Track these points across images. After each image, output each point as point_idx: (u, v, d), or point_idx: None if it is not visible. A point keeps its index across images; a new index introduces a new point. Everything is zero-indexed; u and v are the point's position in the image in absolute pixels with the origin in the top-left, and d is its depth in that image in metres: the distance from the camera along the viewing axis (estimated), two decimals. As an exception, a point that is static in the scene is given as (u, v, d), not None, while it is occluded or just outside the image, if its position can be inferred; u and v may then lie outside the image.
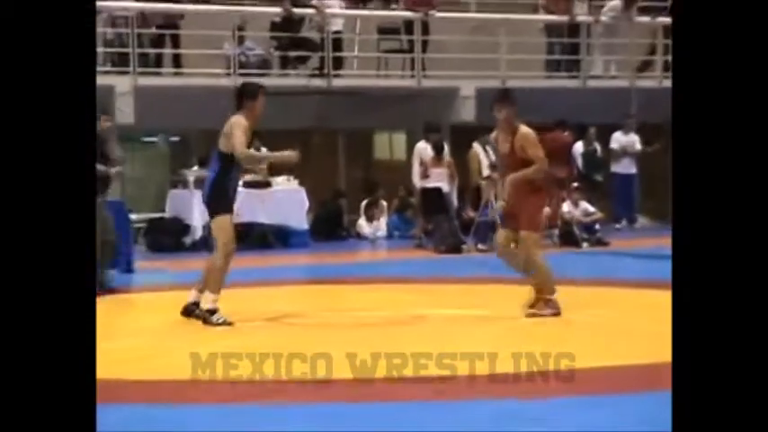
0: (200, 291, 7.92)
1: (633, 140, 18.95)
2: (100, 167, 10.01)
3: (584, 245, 15.82)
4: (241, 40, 18.95)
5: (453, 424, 4.74)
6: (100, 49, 18.54)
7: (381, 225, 18.76)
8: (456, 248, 15.27)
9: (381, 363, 6.06)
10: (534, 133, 8.09)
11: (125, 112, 17.78)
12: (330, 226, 18.39)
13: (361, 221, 18.75)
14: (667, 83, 18.93)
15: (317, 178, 19.68)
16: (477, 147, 16.75)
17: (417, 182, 16.19)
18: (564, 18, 19.92)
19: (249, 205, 16.23)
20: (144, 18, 18.22)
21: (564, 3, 20.05)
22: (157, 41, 18.67)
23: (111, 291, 10.23)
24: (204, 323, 7.67)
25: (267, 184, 16.77)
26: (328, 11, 18.88)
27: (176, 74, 18.95)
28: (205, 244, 15.91)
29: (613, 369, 5.95)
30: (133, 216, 14.91)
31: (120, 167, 11.33)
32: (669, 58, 19.46)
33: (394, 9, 19.86)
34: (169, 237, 16.42)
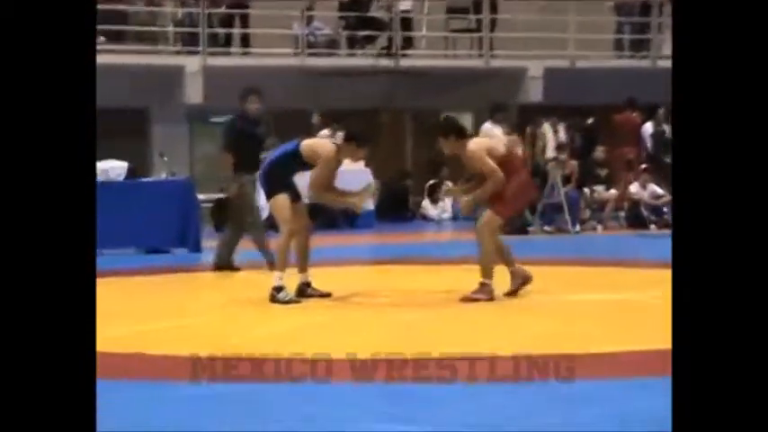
0: (301, 270, 8.14)
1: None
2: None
3: (652, 227, 15.82)
4: (309, 20, 19.14)
5: (515, 404, 4.87)
6: (170, 29, 18.85)
7: (447, 206, 18.86)
8: (522, 230, 15.34)
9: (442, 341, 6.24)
10: (481, 147, 8.02)
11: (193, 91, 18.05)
12: (395, 207, 18.53)
13: (426, 203, 18.85)
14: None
15: (383, 159, 19.84)
16: (546, 127, 16.80)
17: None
18: (634, -4, 19.84)
19: (315, 185, 16.43)
20: (213, -2, 18.46)
21: (634, -19, 19.97)
22: (227, 21, 18.90)
23: (233, 268, 10.41)
24: (271, 301, 7.86)
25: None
26: (396, -10, 18.98)
27: (245, 54, 19.19)
28: (272, 224, 16.17)
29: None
30: (201, 196, 15.18)
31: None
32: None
33: (462, -12, 19.89)
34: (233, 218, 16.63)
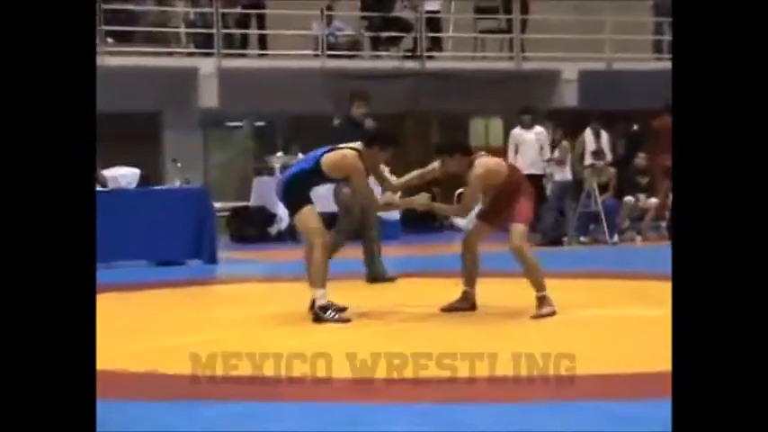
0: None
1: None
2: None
3: (695, 238, 15.63)
4: (330, 20, 19.06)
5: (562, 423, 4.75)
6: (182, 30, 18.80)
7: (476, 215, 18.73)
8: (556, 241, 15.20)
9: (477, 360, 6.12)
10: (484, 173, 7.92)
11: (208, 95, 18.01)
12: (422, 217, 18.41)
13: (455, 212, 18.72)
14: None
15: (409, 165, 19.71)
16: (588, 132, 16.65)
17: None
18: (674, -5, 19.71)
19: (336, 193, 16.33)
20: (229, -3, 18.42)
21: (674, -21, 19.83)
22: (242, 21, 18.85)
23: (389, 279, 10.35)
24: (316, 320, 7.68)
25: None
26: (422, -11, 18.90)
27: (262, 55, 19.14)
28: (291, 234, 16.08)
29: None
30: (216, 204, 15.10)
31: None
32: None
33: (492, -14, 19.80)
34: (253, 226, 16.60)
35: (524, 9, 19.58)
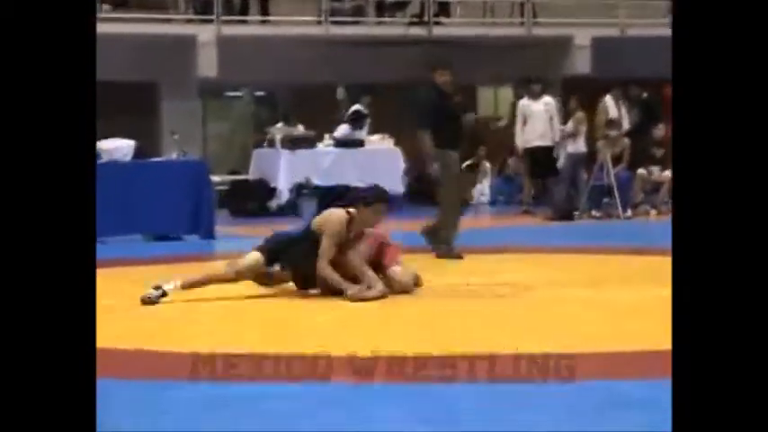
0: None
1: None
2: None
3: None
4: (333, -14, 19.02)
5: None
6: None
7: (484, 189, 18.77)
8: (567, 215, 15.20)
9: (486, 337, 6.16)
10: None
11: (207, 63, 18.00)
12: (428, 190, 18.40)
13: (463, 185, 18.73)
14: None
15: (415, 137, 19.70)
16: (608, 100, 16.61)
17: (520, 141, 16.14)
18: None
19: (340, 166, 16.36)
20: (227, -39, 18.38)
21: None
22: (243, -13, 18.83)
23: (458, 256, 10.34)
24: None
25: (360, 143, 16.86)
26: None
27: (263, 22, 19.11)
28: (292, 208, 16.11)
29: None
30: (215, 177, 15.13)
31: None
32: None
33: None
34: (253, 200, 16.62)
35: (535, -27, 19.55)
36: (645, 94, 17.71)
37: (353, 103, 17.51)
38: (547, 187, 16.43)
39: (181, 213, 12.75)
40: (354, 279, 7.79)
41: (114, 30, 17.52)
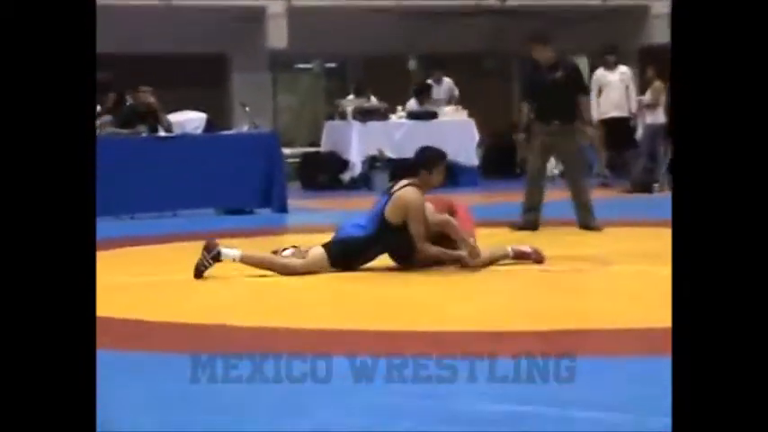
0: None
1: None
2: None
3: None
4: (405, -45, 18.97)
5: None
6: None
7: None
8: (646, 187, 15.07)
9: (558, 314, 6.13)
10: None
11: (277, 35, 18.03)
12: (502, 162, 18.35)
13: (538, 157, 18.63)
14: None
15: (489, 108, 19.64)
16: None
17: (595, 112, 16.00)
18: None
19: (412, 138, 16.32)
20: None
21: None
22: (313, -43, 18.82)
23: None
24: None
25: (433, 115, 16.82)
26: None
27: (334, -8, 19.09)
28: (365, 181, 16.12)
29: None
30: (286, 150, 15.18)
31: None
32: None
33: None
34: (325, 173, 16.66)
35: (612, -61, 19.34)
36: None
37: (426, 75, 17.49)
38: (624, 159, 16.30)
39: (253, 187, 12.81)
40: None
41: (184, 2, 17.62)
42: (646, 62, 17.29)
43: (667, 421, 3.41)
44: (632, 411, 4.19)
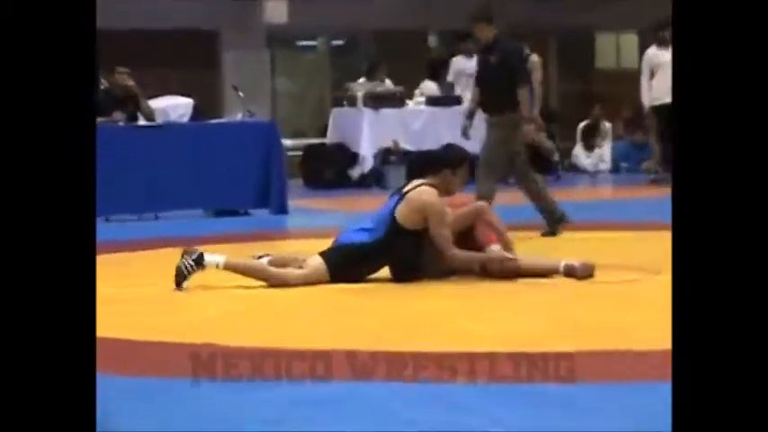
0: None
1: None
2: None
3: None
4: None
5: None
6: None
7: (604, 154, 18.62)
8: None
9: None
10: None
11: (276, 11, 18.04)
12: (537, 155, 18.33)
13: (578, 150, 18.64)
14: None
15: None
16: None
17: (647, 98, 15.95)
18: None
19: (432, 128, 16.31)
20: None
21: None
22: None
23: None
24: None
25: (457, 101, 16.79)
26: None
27: (341, -41, 19.12)
28: (376, 178, 16.10)
29: None
30: (286, 142, 15.17)
31: None
32: None
33: None
34: (331, 168, 16.65)
35: None
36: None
37: (449, 53, 17.46)
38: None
39: (247, 184, 12.81)
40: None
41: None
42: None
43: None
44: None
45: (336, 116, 17.26)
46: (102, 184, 11.72)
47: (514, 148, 10.47)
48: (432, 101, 16.77)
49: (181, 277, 7.54)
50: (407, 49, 18.78)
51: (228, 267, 7.69)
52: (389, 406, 4.76)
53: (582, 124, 18.72)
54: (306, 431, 4.49)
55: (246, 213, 12.89)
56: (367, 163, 16.34)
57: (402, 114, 16.56)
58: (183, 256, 7.62)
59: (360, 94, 16.52)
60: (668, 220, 8.64)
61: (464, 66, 17.36)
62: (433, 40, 18.04)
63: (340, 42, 21.02)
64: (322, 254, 7.83)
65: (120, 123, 12.78)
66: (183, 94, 13.88)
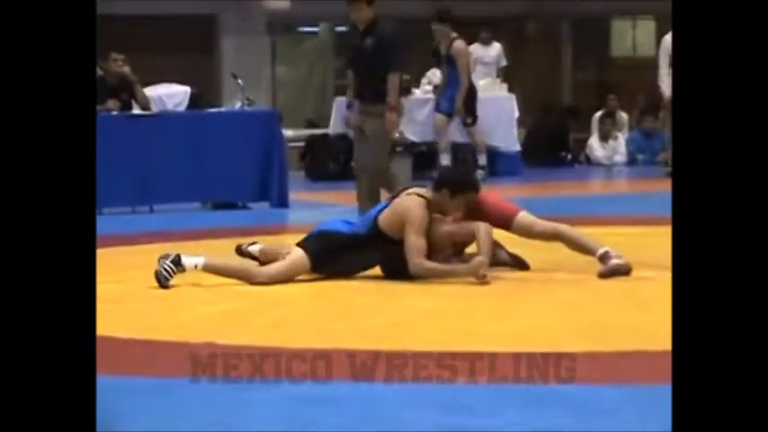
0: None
1: None
2: None
3: None
4: None
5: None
6: None
7: (620, 146, 18.59)
8: None
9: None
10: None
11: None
12: (550, 147, 18.31)
13: (593, 141, 18.61)
14: None
15: (533, 82, 19.62)
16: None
17: (665, 86, 15.91)
18: None
19: (441, 118, 16.28)
20: None
21: None
22: None
23: None
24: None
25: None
26: None
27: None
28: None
29: None
30: (287, 132, 15.15)
31: None
32: None
33: None
34: (334, 160, 16.63)
35: None
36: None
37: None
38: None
39: (246, 176, 12.80)
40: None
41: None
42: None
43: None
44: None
45: (340, 106, 17.19)
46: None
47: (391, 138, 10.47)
48: (437, 89, 16.73)
49: (161, 282, 7.59)
50: (414, 36, 18.72)
51: (207, 269, 7.74)
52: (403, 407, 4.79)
53: (597, 114, 18.69)
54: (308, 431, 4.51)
55: (245, 207, 12.88)
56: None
57: (408, 104, 16.51)
58: (159, 261, 7.67)
59: (365, 83, 16.48)
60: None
61: (481, 54, 17.36)
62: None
63: (343, 29, 20.96)
64: (300, 244, 7.91)
65: (115, 112, 12.76)
66: (179, 82, 13.85)
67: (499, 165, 16.47)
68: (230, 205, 12.78)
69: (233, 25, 19.28)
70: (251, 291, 7.56)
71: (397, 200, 7.91)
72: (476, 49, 17.31)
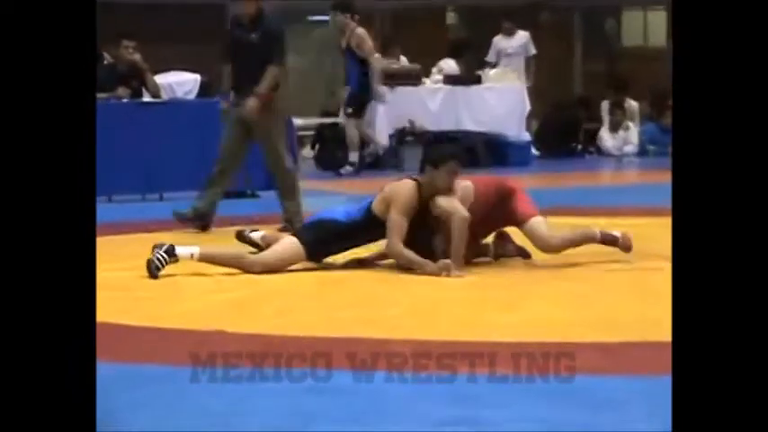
0: None
1: None
2: None
3: None
4: None
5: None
6: None
7: (631, 137, 18.57)
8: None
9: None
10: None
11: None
12: (561, 137, 18.30)
13: (604, 132, 18.59)
14: None
15: (544, 72, 19.57)
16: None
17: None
18: None
19: (451, 108, 16.29)
20: None
21: None
22: None
23: None
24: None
25: (475, 79, 16.76)
26: None
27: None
28: (393, 158, 16.07)
29: None
30: (297, 121, 15.13)
31: None
32: None
33: None
34: (345, 149, 16.62)
35: None
36: None
37: (469, 30, 17.43)
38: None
39: (256, 164, 12.76)
40: (429, 256, 7.86)
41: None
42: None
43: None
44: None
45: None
46: (104, 162, 11.76)
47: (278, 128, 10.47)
48: (450, 79, 16.73)
49: (152, 271, 7.60)
50: (425, 25, 18.73)
51: (203, 258, 7.77)
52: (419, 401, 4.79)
53: (606, 102, 18.65)
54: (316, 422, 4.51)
55: (254, 195, 12.86)
56: (381, 144, 16.28)
57: (418, 93, 16.52)
58: (153, 250, 7.71)
59: (376, 71, 16.46)
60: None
61: (504, 45, 17.33)
62: (451, 17, 17.99)
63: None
64: (296, 235, 8.04)
65: (125, 99, 12.77)
66: (189, 70, 13.84)
67: (509, 155, 16.47)
68: (239, 193, 12.76)
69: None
70: (259, 279, 7.60)
71: (391, 184, 7.97)
72: (498, 40, 17.30)
